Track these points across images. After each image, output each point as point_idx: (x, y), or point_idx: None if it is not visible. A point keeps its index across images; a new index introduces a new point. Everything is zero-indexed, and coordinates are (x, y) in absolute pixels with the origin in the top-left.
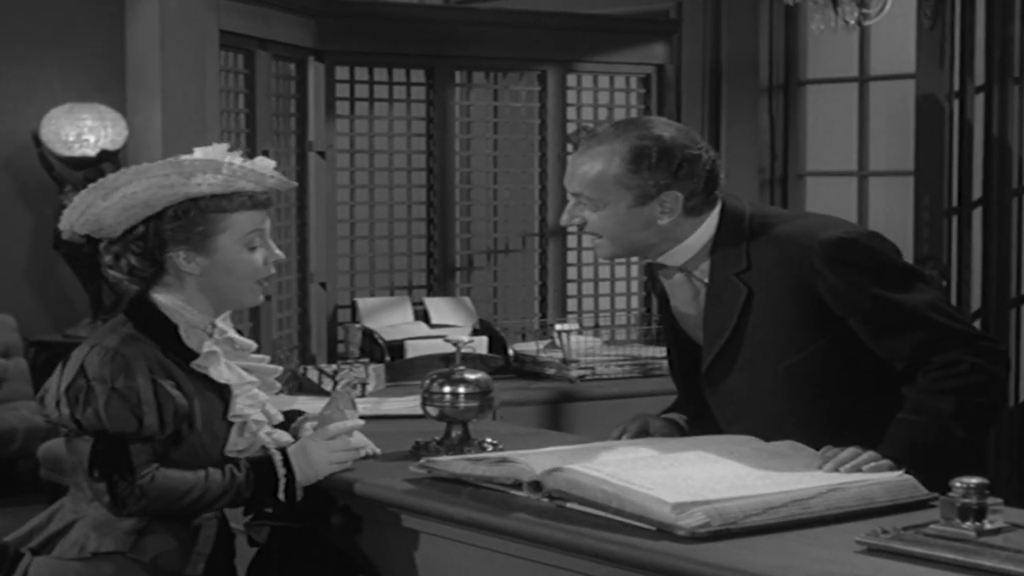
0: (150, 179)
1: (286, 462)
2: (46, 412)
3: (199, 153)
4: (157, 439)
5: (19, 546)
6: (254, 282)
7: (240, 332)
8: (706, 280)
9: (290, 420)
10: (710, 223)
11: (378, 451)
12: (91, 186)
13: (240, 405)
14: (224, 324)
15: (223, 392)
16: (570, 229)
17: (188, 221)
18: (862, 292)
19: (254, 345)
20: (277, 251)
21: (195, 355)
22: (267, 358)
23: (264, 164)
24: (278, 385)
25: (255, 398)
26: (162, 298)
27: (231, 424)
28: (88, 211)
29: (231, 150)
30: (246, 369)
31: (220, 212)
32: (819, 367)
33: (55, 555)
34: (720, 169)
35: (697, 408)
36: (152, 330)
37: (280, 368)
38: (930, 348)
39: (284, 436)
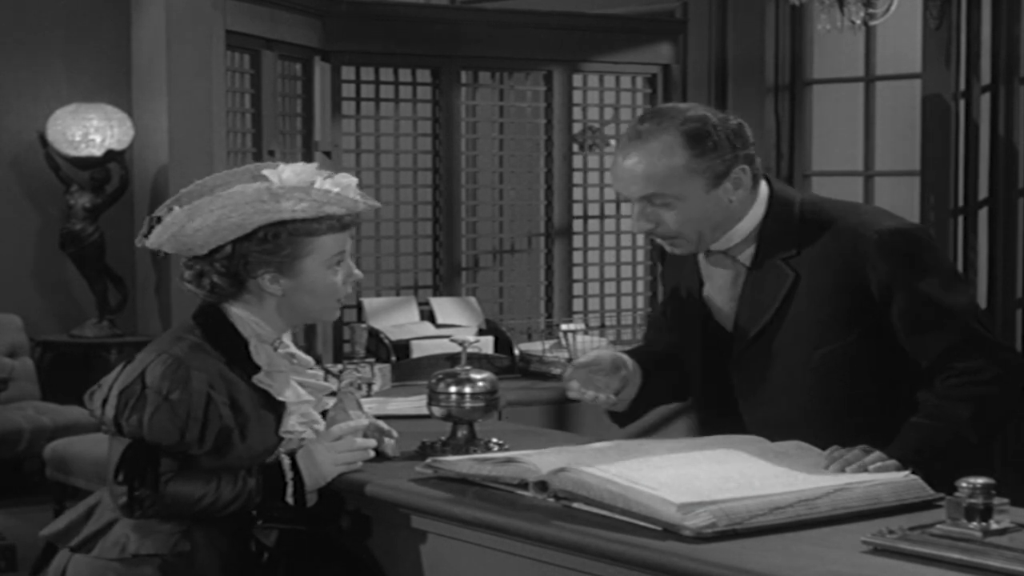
0: (242, 203)
1: (294, 466)
2: (92, 407)
3: (289, 172)
4: (191, 453)
5: (56, 541)
6: (333, 300)
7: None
8: (748, 264)
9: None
10: (757, 208)
11: (395, 434)
12: (181, 207)
13: (292, 422)
14: (287, 338)
15: (278, 408)
16: (576, 229)
17: (276, 245)
18: (908, 285)
19: (312, 362)
20: (356, 271)
21: (257, 368)
22: (321, 374)
23: (347, 181)
24: (328, 402)
25: (307, 416)
26: (236, 311)
27: (281, 439)
28: (179, 233)
29: (319, 169)
30: (301, 384)
31: (309, 236)
32: (854, 357)
33: (95, 554)
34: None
35: (713, 397)
36: (221, 341)
37: (332, 386)
38: (957, 353)
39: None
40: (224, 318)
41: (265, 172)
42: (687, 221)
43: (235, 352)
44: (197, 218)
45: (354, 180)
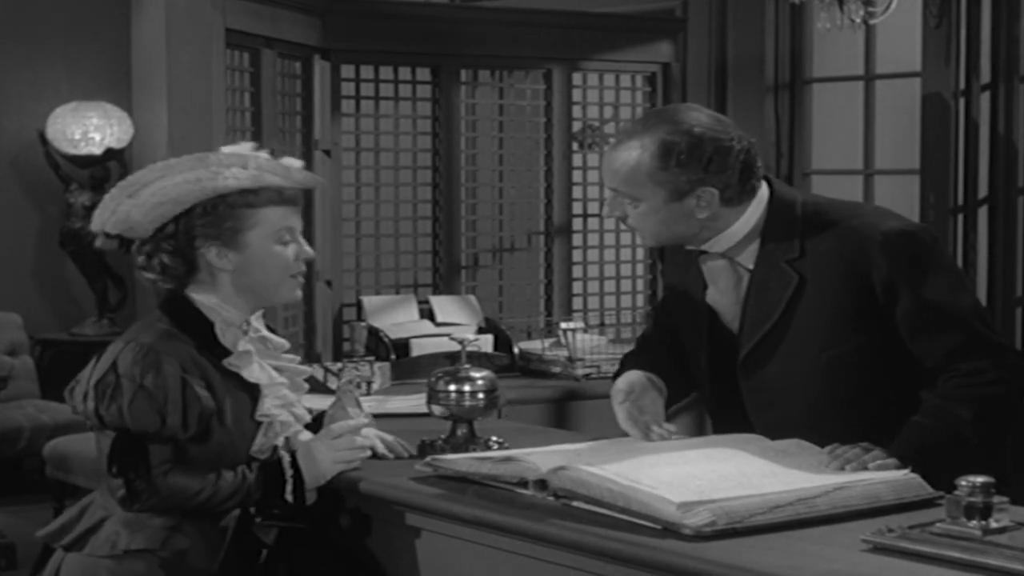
0: (178, 175)
1: (293, 464)
2: (73, 403)
3: (226, 151)
4: (178, 439)
5: (51, 542)
6: (288, 276)
7: (272, 330)
8: (750, 267)
9: (317, 422)
10: (755, 210)
11: (389, 438)
12: (118, 185)
13: (268, 405)
14: (257, 322)
15: (253, 391)
16: (576, 227)
17: (217, 217)
18: (912, 286)
19: (286, 344)
20: (308, 248)
21: (228, 352)
22: (298, 358)
23: (289, 163)
24: (307, 386)
25: (284, 399)
26: (198, 296)
27: (260, 423)
28: (118, 210)
29: (258, 149)
30: (277, 369)
31: (248, 207)
32: (861, 360)
33: (87, 552)
34: (756, 158)
35: (721, 399)
36: (188, 326)
37: (309, 369)
38: (961, 354)
39: (308, 436)
40: (190, 304)
41: (208, 153)
42: (645, 221)
43: (203, 336)
44: (135, 195)
45: (299, 163)
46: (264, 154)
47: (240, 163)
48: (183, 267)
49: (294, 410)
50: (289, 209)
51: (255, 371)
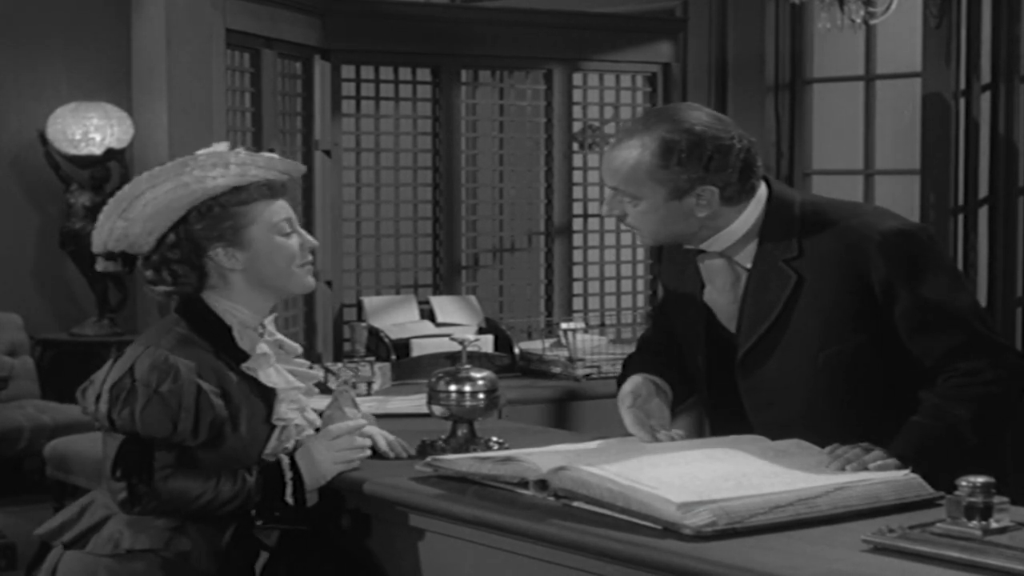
0: (165, 184)
1: (293, 466)
2: (84, 404)
3: (203, 153)
4: (186, 445)
5: (50, 539)
6: (296, 266)
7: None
8: (748, 266)
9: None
10: (753, 209)
11: (390, 437)
12: (109, 202)
13: (284, 409)
14: (271, 326)
15: (268, 395)
16: (576, 227)
17: (213, 218)
18: (911, 286)
19: (299, 349)
20: (310, 237)
21: (246, 356)
22: (307, 363)
23: (267, 156)
24: (316, 390)
25: (298, 402)
26: (213, 300)
27: (273, 427)
28: (114, 228)
29: (233, 148)
30: (291, 373)
31: (242, 204)
32: (859, 358)
33: (88, 550)
34: (756, 157)
35: (719, 399)
36: (205, 330)
37: (320, 375)
38: (960, 353)
39: None
40: (206, 307)
41: (187, 158)
42: (644, 221)
43: (221, 340)
44: (128, 211)
45: (275, 156)
46: (242, 150)
47: (221, 162)
48: (193, 274)
49: (306, 414)
50: (282, 201)
51: (272, 375)
